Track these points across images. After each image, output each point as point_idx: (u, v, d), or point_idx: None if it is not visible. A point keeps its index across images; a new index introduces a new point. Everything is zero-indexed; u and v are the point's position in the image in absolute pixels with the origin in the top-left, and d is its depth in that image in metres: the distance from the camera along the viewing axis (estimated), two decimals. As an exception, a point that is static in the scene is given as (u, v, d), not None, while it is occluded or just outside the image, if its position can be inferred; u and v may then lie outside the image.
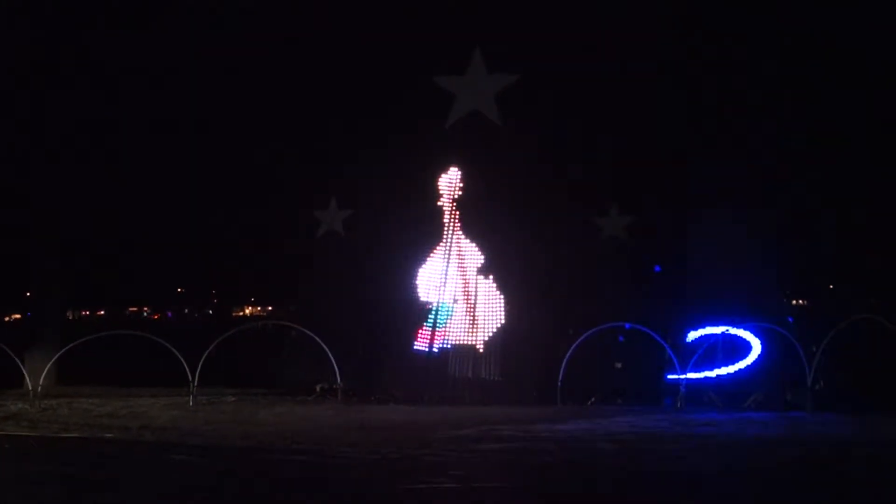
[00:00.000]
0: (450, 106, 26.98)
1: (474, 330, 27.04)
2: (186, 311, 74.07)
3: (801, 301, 31.30)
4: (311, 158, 29.66)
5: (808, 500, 14.15)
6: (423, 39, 26.98)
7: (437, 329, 27.07)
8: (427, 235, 27.39)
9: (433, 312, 27.19)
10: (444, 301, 27.17)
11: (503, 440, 19.06)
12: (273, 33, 30.00)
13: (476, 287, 27.05)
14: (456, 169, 27.51)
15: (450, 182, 27.54)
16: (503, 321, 26.97)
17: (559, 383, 25.34)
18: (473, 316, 27.02)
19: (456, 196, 27.45)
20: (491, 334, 26.90)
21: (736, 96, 27.04)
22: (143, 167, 34.69)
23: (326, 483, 15.11)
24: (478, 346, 26.89)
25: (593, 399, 25.84)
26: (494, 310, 27.05)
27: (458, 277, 27.17)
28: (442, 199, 27.52)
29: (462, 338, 27.01)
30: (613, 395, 26.17)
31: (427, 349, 26.93)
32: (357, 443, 18.67)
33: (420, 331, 27.23)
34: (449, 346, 26.97)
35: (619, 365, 26.68)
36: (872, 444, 18.86)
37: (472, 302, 27.04)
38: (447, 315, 27.17)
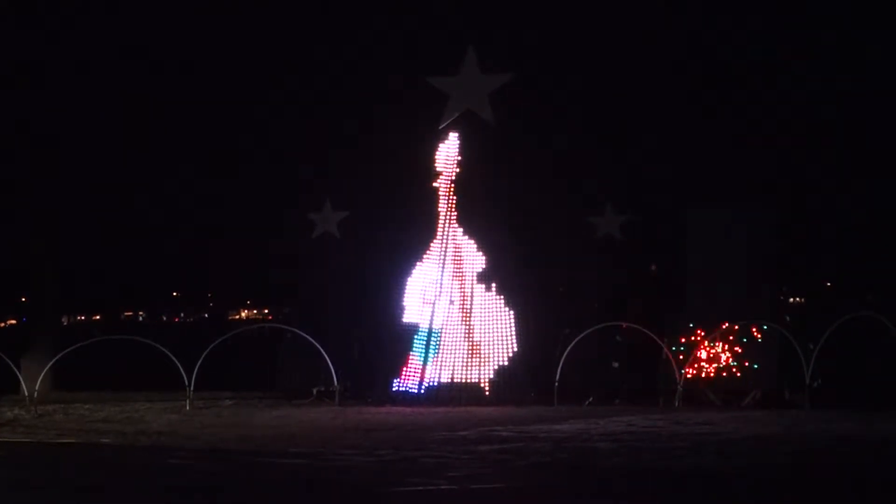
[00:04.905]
0: (443, 106, 26.92)
1: (477, 359, 26.18)
2: (182, 314, 74.06)
3: (798, 299, 31.31)
4: (306, 160, 29.64)
5: (806, 498, 14.09)
6: (418, 39, 26.99)
7: (427, 363, 26.23)
8: (421, 233, 27.00)
9: (423, 339, 26.41)
10: (437, 325, 26.27)
11: (501, 441, 19.00)
12: (268, 30, 30.00)
13: (472, 299, 26.39)
14: (456, 136, 26.74)
15: (447, 156, 26.83)
16: (515, 348, 26.20)
17: (556, 384, 25.29)
18: (472, 342, 26.27)
19: (454, 175, 26.76)
20: (500, 365, 26.12)
21: (731, 94, 27.10)
22: (137, 170, 34.64)
23: (324, 485, 15.06)
24: (483, 384, 26.12)
25: (590, 399, 25.81)
26: (502, 331, 26.23)
27: (456, 288, 26.44)
28: (440, 178, 26.77)
29: (462, 371, 26.20)
30: (611, 394, 26.14)
31: (416, 389, 26.24)
32: (354, 445, 18.61)
33: (405, 366, 26.45)
34: (444, 382, 26.12)
35: (616, 364, 26.66)
36: (871, 442, 18.82)
37: (471, 322, 26.27)
38: (437, 344, 26.27)
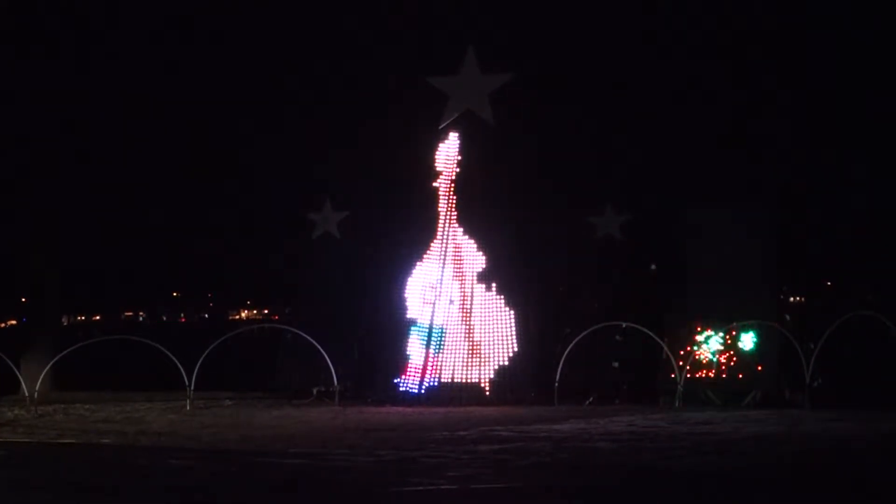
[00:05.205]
0: (443, 106, 26.90)
1: (477, 359, 26.18)
2: (183, 315, 74.04)
3: (798, 298, 31.29)
4: (306, 160, 29.62)
5: (807, 498, 14.09)
6: (418, 39, 26.99)
7: (429, 361, 26.20)
8: (422, 233, 26.99)
9: (423, 338, 26.42)
10: (437, 323, 26.29)
11: (501, 441, 19.01)
12: (268, 30, 29.99)
13: (472, 299, 26.40)
14: (456, 136, 26.79)
15: (448, 156, 26.85)
16: (515, 348, 26.21)
17: (556, 383, 25.29)
18: (473, 342, 26.29)
19: (454, 174, 26.77)
20: (500, 365, 26.12)
21: (733, 93, 27.07)
22: (138, 171, 34.58)
23: (324, 485, 15.06)
24: (483, 384, 26.10)
25: (591, 399, 25.81)
26: (502, 331, 26.25)
27: (457, 288, 26.46)
28: (440, 178, 26.80)
29: (462, 371, 26.21)
30: (611, 394, 26.14)
31: (417, 389, 26.25)
32: (354, 445, 18.62)
33: (407, 366, 26.53)
34: (444, 382, 26.11)
35: (616, 364, 26.66)
36: (871, 441, 18.82)
37: (471, 322, 26.29)
38: (439, 342, 26.29)
